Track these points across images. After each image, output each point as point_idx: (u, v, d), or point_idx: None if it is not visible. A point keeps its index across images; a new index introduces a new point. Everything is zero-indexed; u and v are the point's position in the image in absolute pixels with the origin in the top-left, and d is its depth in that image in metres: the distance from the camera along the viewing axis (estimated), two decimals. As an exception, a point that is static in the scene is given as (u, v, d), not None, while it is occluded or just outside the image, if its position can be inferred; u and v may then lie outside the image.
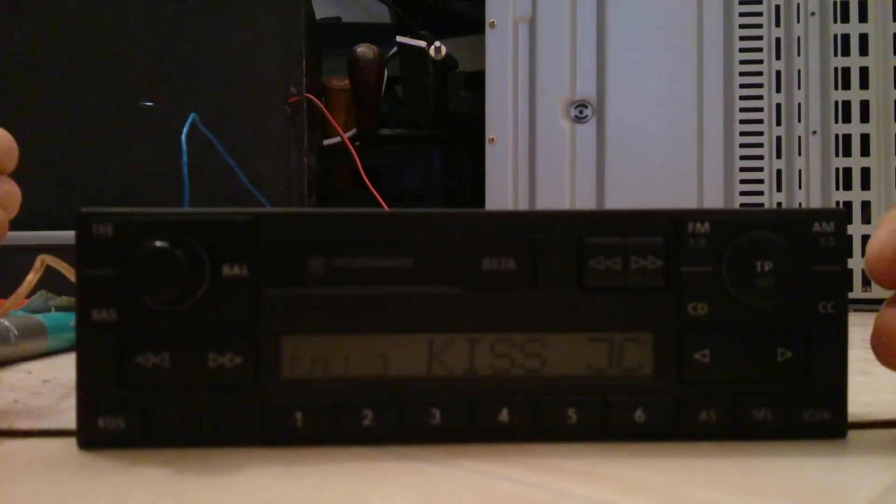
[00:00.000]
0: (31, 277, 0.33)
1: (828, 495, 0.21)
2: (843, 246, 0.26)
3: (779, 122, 0.80)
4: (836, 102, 0.80)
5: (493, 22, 0.82)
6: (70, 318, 0.26)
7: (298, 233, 0.25)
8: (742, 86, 0.80)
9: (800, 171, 0.80)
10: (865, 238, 0.72)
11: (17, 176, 0.32)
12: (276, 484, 0.22)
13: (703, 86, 0.80)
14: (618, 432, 0.25)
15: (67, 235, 0.26)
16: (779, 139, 0.80)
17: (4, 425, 0.28)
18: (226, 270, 0.25)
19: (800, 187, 0.80)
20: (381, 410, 0.25)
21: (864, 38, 0.79)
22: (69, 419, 0.25)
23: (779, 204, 0.80)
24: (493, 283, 0.26)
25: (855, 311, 0.70)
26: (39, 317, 0.45)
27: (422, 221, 0.26)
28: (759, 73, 0.80)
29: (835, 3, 0.79)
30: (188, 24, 0.78)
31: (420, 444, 0.25)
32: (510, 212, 0.28)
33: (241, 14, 0.78)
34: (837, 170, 0.79)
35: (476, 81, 0.93)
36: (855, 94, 0.79)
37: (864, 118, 0.79)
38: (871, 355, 0.25)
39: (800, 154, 0.80)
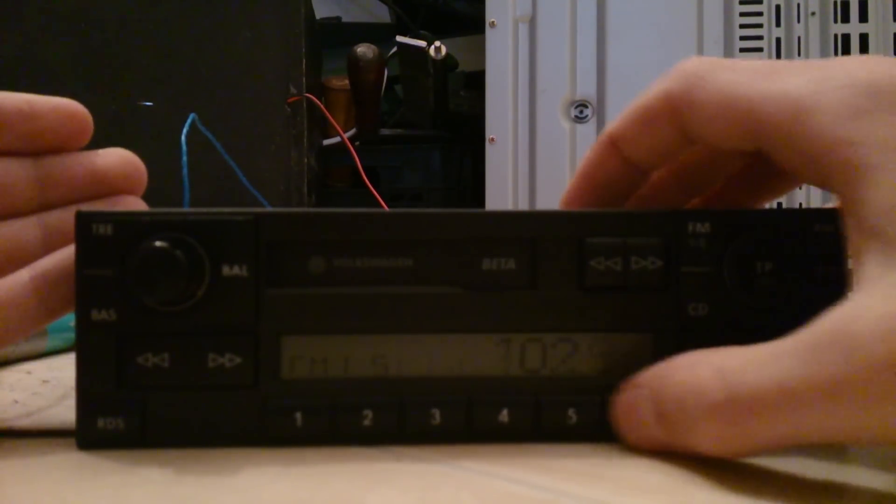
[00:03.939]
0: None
1: (828, 495, 0.21)
2: (844, 246, 0.26)
3: (779, 122, 0.80)
4: (837, 102, 0.79)
5: (493, 22, 0.82)
6: (70, 318, 0.26)
7: (298, 233, 0.25)
8: (742, 86, 0.80)
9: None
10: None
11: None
12: (276, 484, 0.22)
13: (703, 86, 0.80)
14: (618, 432, 0.25)
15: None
16: (779, 139, 0.80)
17: (4, 425, 0.28)
18: (226, 270, 0.25)
19: (800, 188, 0.80)
20: (381, 410, 0.25)
21: (864, 39, 0.79)
22: (69, 419, 0.25)
23: (779, 204, 0.80)
24: (493, 283, 0.26)
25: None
26: (39, 317, 0.45)
27: (422, 221, 0.26)
28: (760, 73, 0.80)
29: (835, 3, 0.79)
30: (188, 24, 0.78)
31: (420, 444, 0.25)
32: (510, 212, 0.28)
33: (241, 14, 0.78)
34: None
35: (476, 81, 0.93)
36: (855, 94, 0.79)
37: (865, 118, 0.79)
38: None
39: (800, 154, 0.80)
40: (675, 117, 0.25)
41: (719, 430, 0.21)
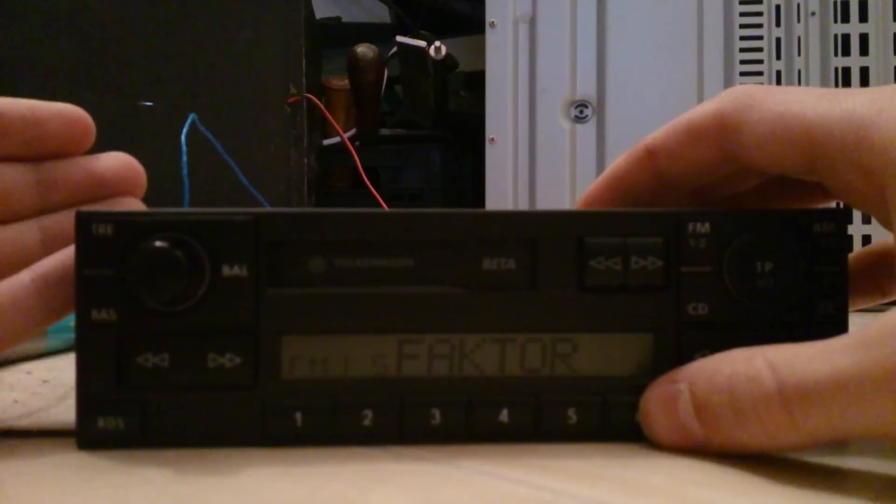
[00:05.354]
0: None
1: (828, 495, 0.21)
2: (844, 246, 0.26)
3: (779, 122, 0.80)
4: (837, 102, 0.79)
5: (493, 22, 0.82)
6: (70, 319, 0.26)
7: (298, 233, 0.25)
8: (742, 86, 0.80)
9: (800, 171, 0.80)
10: (866, 238, 0.72)
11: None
12: (276, 484, 0.22)
13: (703, 86, 0.80)
14: (618, 432, 0.25)
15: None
16: (779, 139, 0.80)
17: (4, 425, 0.28)
18: (226, 270, 0.25)
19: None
20: (381, 410, 0.25)
21: (864, 39, 0.79)
22: (69, 419, 0.25)
23: (779, 204, 0.80)
24: (493, 283, 0.26)
25: (855, 311, 0.70)
26: (39, 317, 0.45)
27: (422, 221, 0.26)
28: (760, 73, 0.80)
29: (835, 3, 0.79)
30: (188, 24, 0.78)
31: (420, 444, 0.25)
32: (510, 212, 0.28)
33: (241, 14, 0.78)
34: (837, 170, 0.79)
35: (476, 81, 0.93)
36: (855, 94, 0.79)
37: (865, 118, 0.79)
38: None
39: (800, 154, 0.80)
40: (722, 137, 0.25)
41: (770, 421, 0.22)
